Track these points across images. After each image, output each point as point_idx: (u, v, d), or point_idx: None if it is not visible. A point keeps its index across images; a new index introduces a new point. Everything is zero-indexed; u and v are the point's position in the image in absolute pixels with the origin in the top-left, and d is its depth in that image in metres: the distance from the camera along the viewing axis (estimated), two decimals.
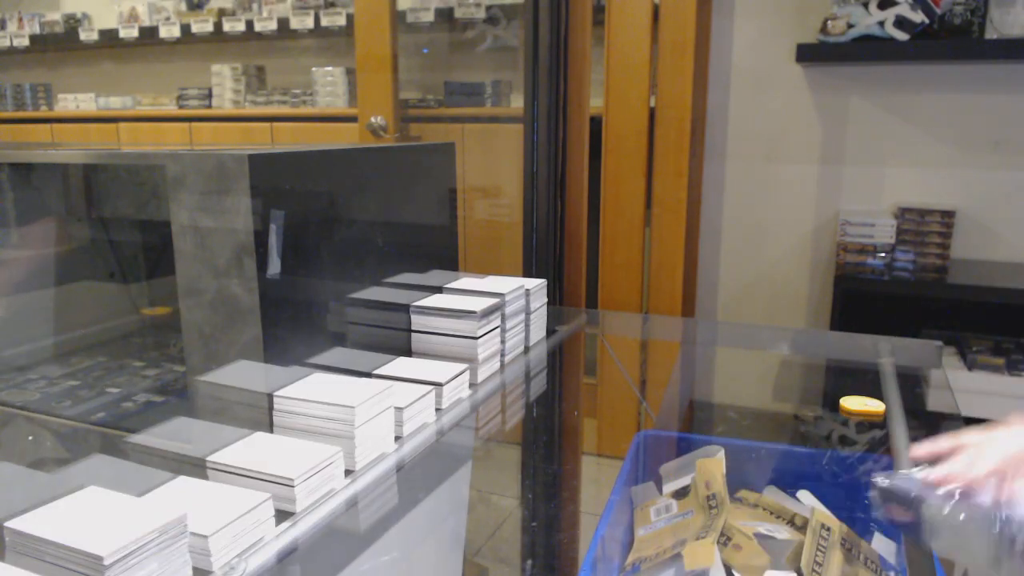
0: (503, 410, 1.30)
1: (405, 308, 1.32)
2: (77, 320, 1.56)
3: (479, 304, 1.30)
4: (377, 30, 2.67)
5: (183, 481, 0.84)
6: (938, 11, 2.08)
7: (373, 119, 2.70)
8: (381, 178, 1.35)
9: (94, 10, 3.97)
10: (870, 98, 2.35)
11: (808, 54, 2.25)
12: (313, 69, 3.33)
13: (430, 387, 1.15)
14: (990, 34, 2.10)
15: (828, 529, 0.90)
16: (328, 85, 3.30)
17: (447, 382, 1.18)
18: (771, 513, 0.98)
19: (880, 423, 1.20)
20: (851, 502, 1.00)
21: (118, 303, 1.65)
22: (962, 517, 0.66)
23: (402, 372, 1.19)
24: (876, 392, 1.30)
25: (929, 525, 0.68)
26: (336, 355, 1.23)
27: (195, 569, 0.74)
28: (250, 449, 0.92)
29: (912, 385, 1.39)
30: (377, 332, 1.32)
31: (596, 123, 2.35)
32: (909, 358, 1.52)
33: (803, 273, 2.53)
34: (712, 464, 1.00)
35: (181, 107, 3.71)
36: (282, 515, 0.86)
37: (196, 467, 0.89)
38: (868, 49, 2.18)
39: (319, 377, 1.06)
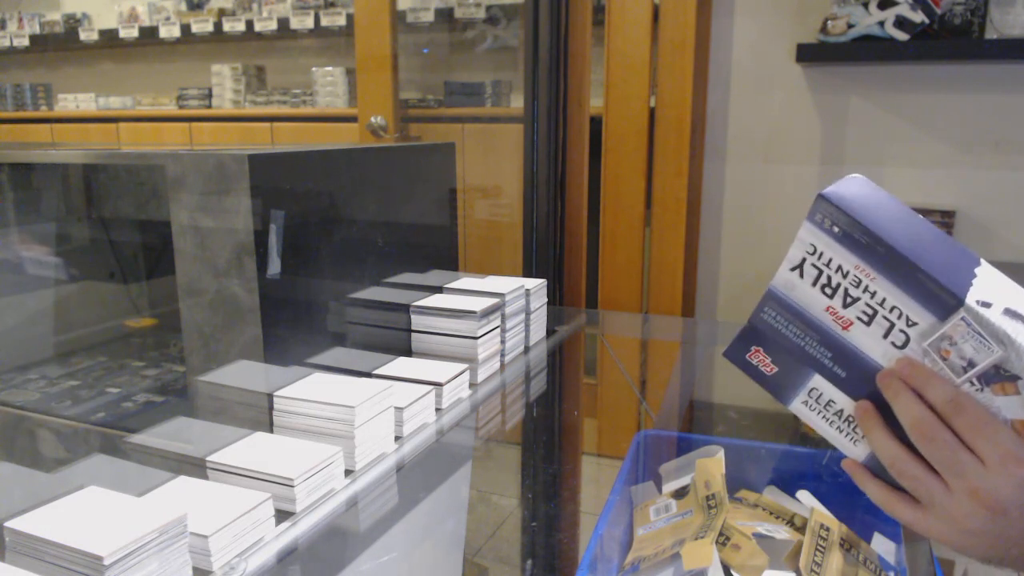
0: (503, 410, 1.30)
1: (405, 308, 1.32)
2: (77, 320, 1.56)
3: (479, 304, 1.30)
4: (377, 30, 2.66)
5: (183, 481, 0.84)
6: (938, 11, 2.08)
7: (373, 119, 2.70)
8: (381, 178, 1.35)
9: (94, 10, 3.97)
10: (870, 98, 2.35)
11: (808, 54, 2.25)
12: (313, 69, 3.33)
13: (430, 387, 1.15)
14: (990, 34, 2.10)
15: (827, 529, 0.90)
16: (328, 85, 3.30)
17: (447, 382, 1.18)
18: (770, 513, 0.98)
19: None
20: (851, 502, 1.00)
21: (118, 303, 1.65)
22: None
23: (402, 372, 1.19)
24: None
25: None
26: (336, 355, 1.23)
27: (195, 569, 0.74)
28: (250, 449, 0.92)
29: None
30: (377, 332, 1.32)
31: (596, 123, 2.35)
32: None
33: None
34: (712, 464, 1.00)
35: (181, 107, 3.71)
36: (282, 515, 0.86)
37: (196, 467, 0.90)
38: (868, 49, 2.18)
39: (319, 377, 1.06)
